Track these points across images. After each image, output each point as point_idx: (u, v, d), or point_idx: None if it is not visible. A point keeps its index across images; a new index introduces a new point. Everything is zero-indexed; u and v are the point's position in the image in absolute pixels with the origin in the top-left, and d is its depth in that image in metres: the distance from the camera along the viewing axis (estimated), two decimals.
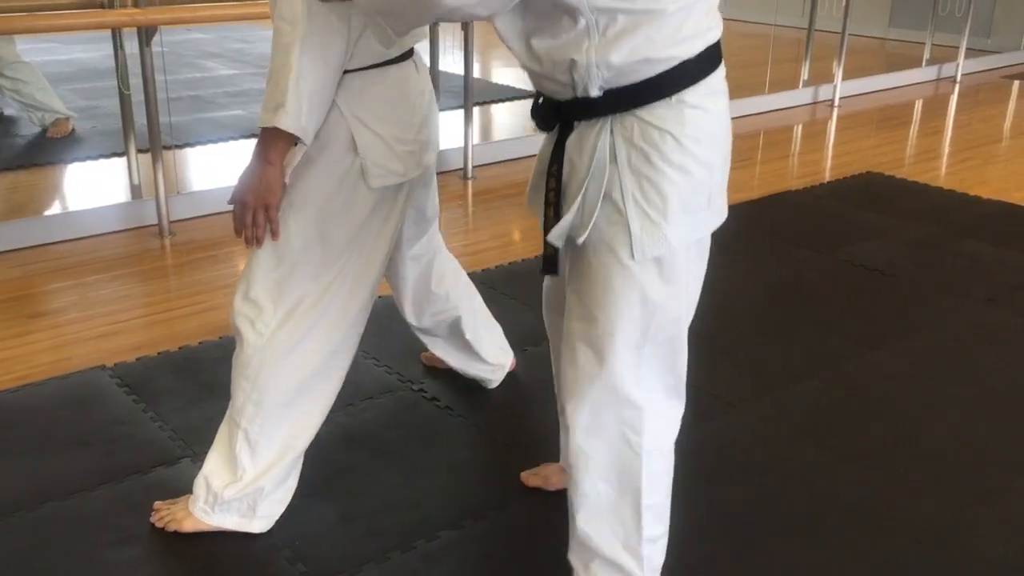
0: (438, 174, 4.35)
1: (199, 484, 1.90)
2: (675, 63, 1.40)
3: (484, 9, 1.36)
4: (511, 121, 5.66)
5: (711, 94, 1.45)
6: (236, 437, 1.86)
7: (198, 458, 2.16)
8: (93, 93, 5.29)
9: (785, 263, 3.43)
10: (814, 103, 5.91)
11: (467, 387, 2.51)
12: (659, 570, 1.66)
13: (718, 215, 1.53)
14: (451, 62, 4.94)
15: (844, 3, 5.93)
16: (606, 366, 1.51)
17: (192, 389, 2.47)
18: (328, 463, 2.17)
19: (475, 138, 4.40)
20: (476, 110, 4.44)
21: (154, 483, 2.08)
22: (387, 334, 2.78)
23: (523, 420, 2.37)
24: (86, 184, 4.31)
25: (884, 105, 5.99)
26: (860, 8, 6.37)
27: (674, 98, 1.41)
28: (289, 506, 1.99)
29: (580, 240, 1.47)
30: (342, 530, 1.96)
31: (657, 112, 1.41)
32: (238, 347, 1.86)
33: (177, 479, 2.08)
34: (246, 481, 1.87)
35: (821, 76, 5.98)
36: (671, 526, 1.66)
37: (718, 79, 1.47)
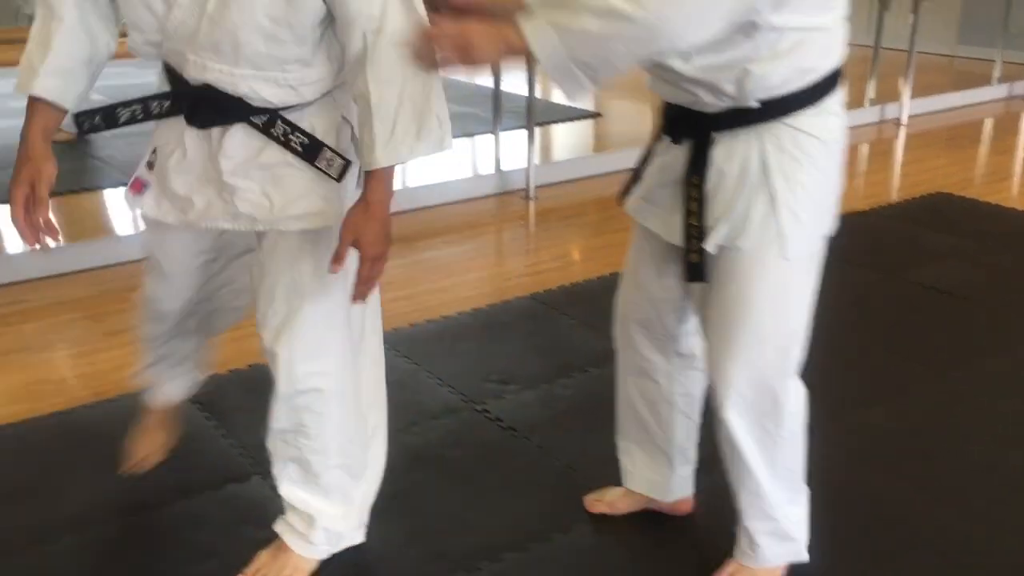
0: (500, 195, 4.41)
1: (317, 530, 1.85)
2: (823, 73, 1.52)
3: (704, 35, 1.40)
4: (572, 141, 5.68)
5: (840, 102, 1.59)
6: (334, 474, 1.84)
7: (268, 475, 2.20)
8: None
9: (853, 285, 3.37)
10: (881, 122, 5.82)
11: (531, 408, 2.52)
12: (806, 520, 1.84)
13: (835, 218, 1.65)
14: (513, 82, 4.97)
15: (911, 20, 5.85)
16: (753, 361, 1.64)
17: (261, 407, 2.49)
18: (392, 483, 2.18)
19: (536, 158, 4.42)
20: (537, 130, 4.46)
21: (225, 499, 2.13)
22: (450, 355, 2.81)
23: (586, 442, 2.36)
24: None
25: (953, 124, 5.88)
26: (927, 25, 6.27)
27: (820, 106, 1.53)
28: None
29: (743, 244, 1.57)
30: (408, 551, 1.97)
31: (806, 120, 1.54)
32: (322, 404, 1.79)
33: (248, 495, 2.13)
34: (355, 505, 1.90)
35: (888, 94, 5.89)
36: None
37: (842, 89, 1.61)
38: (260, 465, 2.24)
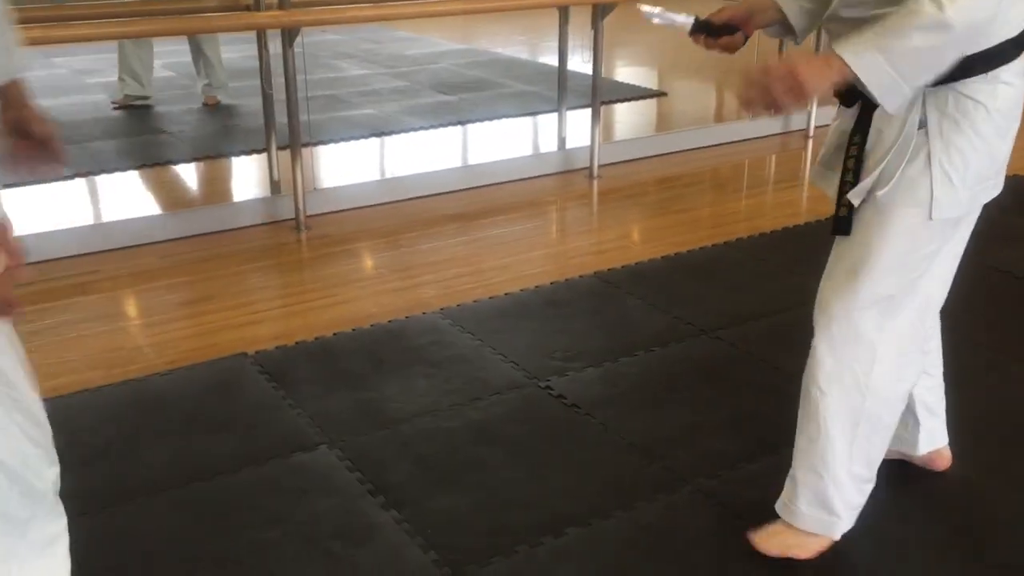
0: (566, 172, 4.40)
1: None
2: (998, 42, 1.52)
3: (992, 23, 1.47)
4: (636, 120, 5.63)
5: (1019, 73, 1.58)
6: None
7: (335, 445, 2.24)
8: (235, 92, 5.52)
9: None
10: None
11: (594, 386, 2.51)
12: (856, 509, 1.83)
13: (999, 186, 1.66)
14: (579, 61, 4.94)
15: None
16: (859, 301, 1.68)
17: (327, 378, 2.55)
18: (457, 456, 2.21)
19: (599, 137, 4.39)
20: (601, 109, 4.42)
21: (294, 467, 2.17)
22: (513, 331, 2.82)
23: (649, 420, 2.36)
24: (228, 179, 4.51)
25: None
26: None
27: (991, 74, 1.54)
28: (422, 496, 2.06)
29: (880, 193, 1.62)
30: (472, 522, 1.99)
31: (973, 86, 1.55)
32: None
33: (315, 464, 2.17)
34: None
35: None
36: None
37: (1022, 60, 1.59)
38: (326, 435, 2.29)
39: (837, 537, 1.84)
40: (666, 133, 5.05)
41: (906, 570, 1.86)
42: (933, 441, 2.08)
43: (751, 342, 2.75)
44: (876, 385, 1.72)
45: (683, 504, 2.04)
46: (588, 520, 1.99)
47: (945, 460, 2.12)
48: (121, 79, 5.24)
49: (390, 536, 1.94)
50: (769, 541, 1.87)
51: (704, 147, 4.78)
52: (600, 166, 4.34)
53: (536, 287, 3.14)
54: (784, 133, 5.02)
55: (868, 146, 1.65)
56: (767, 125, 5.01)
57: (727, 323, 2.86)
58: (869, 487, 1.83)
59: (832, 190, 1.73)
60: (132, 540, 1.94)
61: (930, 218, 1.60)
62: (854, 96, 1.66)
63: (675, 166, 4.51)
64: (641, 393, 2.49)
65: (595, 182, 4.28)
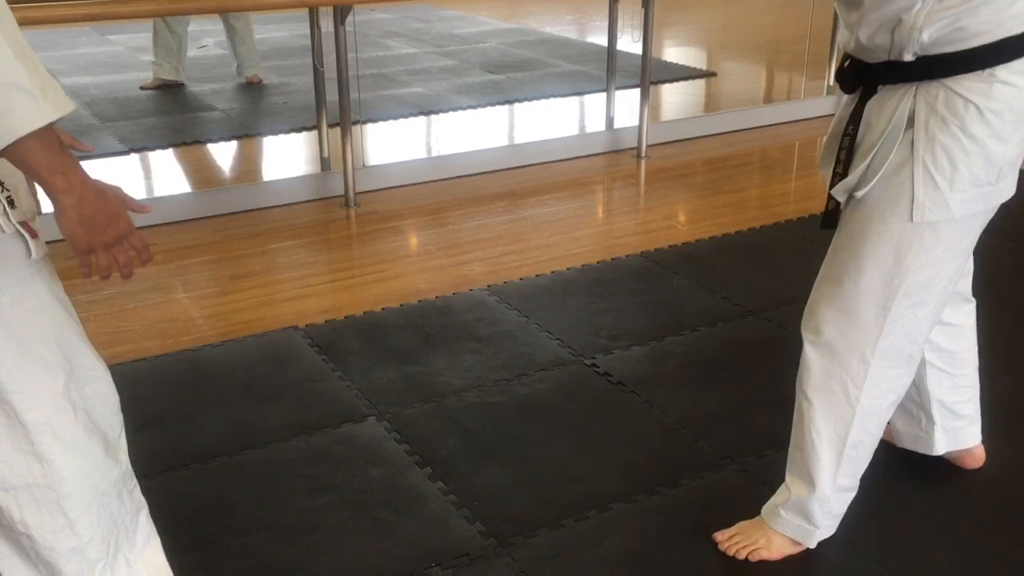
0: (614, 152, 4.38)
1: None
2: (997, 38, 1.43)
3: None
4: (684, 100, 5.59)
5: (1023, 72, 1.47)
6: None
7: (383, 417, 2.28)
8: (286, 71, 5.58)
9: (980, 252, 3.23)
10: None
11: (640, 364, 2.52)
12: (837, 518, 1.79)
13: (1006, 191, 1.57)
14: (628, 41, 4.92)
15: None
16: (849, 313, 1.62)
17: (375, 352, 2.59)
18: (504, 430, 2.24)
19: (649, 117, 4.36)
20: (651, 89, 4.40)
21: (343, 437, 2.21)
22: (559, 309, 2.83)
23: (695, 399, 2.36)
24: (279, 156, 4.56)
25: None
26: None
27: (986, 72, 1.45)
28: (469, 468, 2.08)
29: (859, 194, 1.56)
30: (518, 495, 2.02)
31: (966, 83, 1.46)
32: None
33: (363, 435, 2.21)
34: None
35: None
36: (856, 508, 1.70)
37: None
38: (375, 407, 2.33)
39: (813, 546, 1.79)
40: (715, 114, 5.01)
41: (936, 571, 1.85)
42: (956, 442, 2.01)
43: (798, 323, 2.72)
44: (867, 399, 1.65)
45: (728, 482, 2.05)
46: (633, 496, 2.00)
47: (976, 459, 2.05)
48: (157, 63, 5.32)
49: (437, 506, 1.97)
50: (735, 539, 1.83)
51: (753, 128, 4.73)
52: (648, 146, 4.32)
53: (582, 266, 3.15)
54: (835, 114, 4.95)
55: (859, 138, 1.59)
56: (818, 106, 4.94)
57: (774, 304, 2.85)
58: (851, 495, 1.78)
59: (827, 174, 1.67)
60: (185, 504, 1.99)
61: (911, 221, 1.52)
62: (854, 82, 1.61)
63: (724, 147, 4.48)
64: (687, 372, 2.50)
65: (643, 162, 4.27)
